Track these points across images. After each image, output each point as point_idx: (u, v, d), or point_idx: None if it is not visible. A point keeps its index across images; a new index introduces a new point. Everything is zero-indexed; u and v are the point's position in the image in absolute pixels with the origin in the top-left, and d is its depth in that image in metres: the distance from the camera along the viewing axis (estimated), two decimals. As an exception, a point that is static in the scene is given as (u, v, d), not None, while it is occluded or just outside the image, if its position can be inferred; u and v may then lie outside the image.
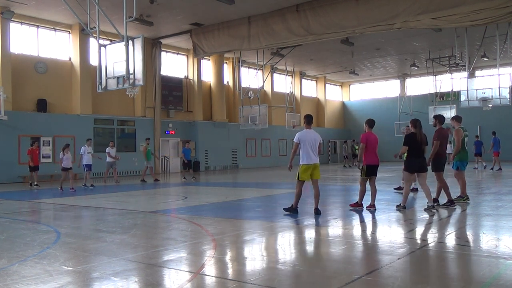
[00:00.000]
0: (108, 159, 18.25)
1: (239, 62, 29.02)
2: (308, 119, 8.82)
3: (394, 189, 12.68)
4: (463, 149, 9.78)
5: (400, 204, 8.96)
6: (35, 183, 17.15)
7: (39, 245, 6.33)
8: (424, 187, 8.86)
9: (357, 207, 9.18)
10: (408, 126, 9.71)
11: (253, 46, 21.25)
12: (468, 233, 6.95)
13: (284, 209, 8.86)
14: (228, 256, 5.73)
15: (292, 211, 8.66)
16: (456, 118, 10.14)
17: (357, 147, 34.23)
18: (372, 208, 8.96)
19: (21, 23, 21.30)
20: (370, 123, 9.44)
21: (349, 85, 43.98)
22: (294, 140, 8.70)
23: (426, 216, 8.25)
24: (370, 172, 9.13)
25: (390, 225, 7.66)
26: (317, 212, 8.52)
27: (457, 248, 5.87)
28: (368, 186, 9.26)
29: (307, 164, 8.52)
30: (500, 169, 21.38)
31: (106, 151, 18.35)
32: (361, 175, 9.23)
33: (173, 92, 27.67)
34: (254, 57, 28.33)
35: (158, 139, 25.74)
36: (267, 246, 6.31)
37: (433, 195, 9.28)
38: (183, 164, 21.15)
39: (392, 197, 11.54)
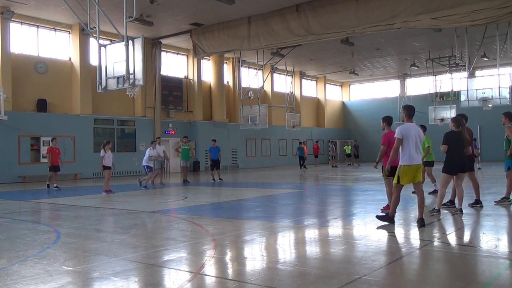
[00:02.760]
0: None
1: (239, 62, 29.01)
2: (410, 111, 7.20)
3: (429, 193, 11.30)
4: None
5: (434, 207, 8.31)
6: (50, 184, 16.08)
7: (39, 245, 6.33)
8: (459, 189, 8.22)
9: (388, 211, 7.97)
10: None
11: (253, 46, 21.24)
12: (468, 233, 6.96)
13: (378, 217, 7.61)
14: (228, 256, 5.73)
15: (388, 221, 7.36)
16: (509, 115, 9.18)
17: (346, 146, 34.08)
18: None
19: (21, 23, 21.30)
20: (389, 120, 8.42)
21: (349, 85, 43.97)
22: (395, 135, 7.11)
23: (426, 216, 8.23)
24: (393, 173, 8.13)
25: (391, 225, 7.64)
26: (421, 224, 6.98)
27: (457, 248, 5.87)
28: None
29: (410, 165, 7.01)
30: (479, 168, 22.54)
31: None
32: (384, 176, 8.40)
33: (173, 92, 27.68)
34: (254, 57, 28.32)
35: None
36: (267, 246, 6.31)
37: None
38: (211, 164, 19.49)
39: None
